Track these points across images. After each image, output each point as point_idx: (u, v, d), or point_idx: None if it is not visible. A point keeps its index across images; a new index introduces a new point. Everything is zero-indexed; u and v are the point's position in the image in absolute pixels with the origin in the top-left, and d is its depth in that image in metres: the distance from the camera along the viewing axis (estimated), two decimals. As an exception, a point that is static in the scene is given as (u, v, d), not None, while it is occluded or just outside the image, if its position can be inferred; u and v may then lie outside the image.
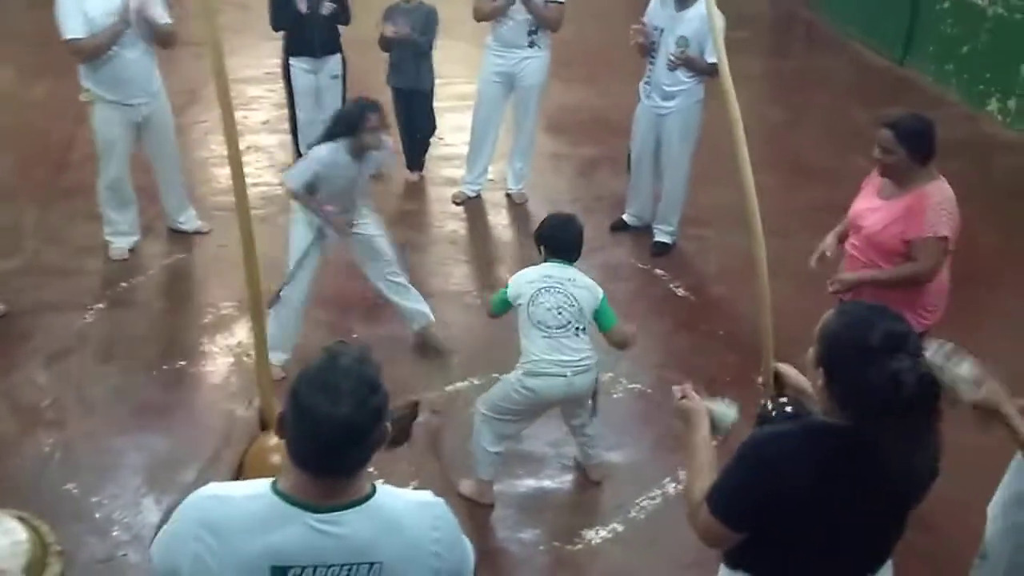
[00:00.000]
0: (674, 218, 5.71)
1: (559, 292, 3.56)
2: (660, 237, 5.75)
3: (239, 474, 2.12)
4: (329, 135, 4.27)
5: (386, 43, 5.94)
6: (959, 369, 2.19)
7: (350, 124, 4.19)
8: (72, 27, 4.83)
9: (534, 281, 3.60)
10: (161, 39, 5.17)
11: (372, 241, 4.51)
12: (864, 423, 1.95)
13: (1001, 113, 7.77)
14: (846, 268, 3.69)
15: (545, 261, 3.69)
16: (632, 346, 3.90)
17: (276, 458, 2.11)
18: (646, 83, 5.52)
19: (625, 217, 5.97)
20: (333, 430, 1.68)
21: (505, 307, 3.69)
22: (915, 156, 3.41)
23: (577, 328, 3.55)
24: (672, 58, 5.24)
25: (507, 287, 3.68)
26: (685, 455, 2.33)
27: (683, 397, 2.37)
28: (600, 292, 3.64)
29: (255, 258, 2.43)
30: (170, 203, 5.62)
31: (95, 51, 4.90)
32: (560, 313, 3.53)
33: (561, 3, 5.74)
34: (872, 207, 3.57)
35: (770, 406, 2.48)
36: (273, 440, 2.17)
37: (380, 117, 4.24)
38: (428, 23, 5.88)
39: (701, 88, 5.36)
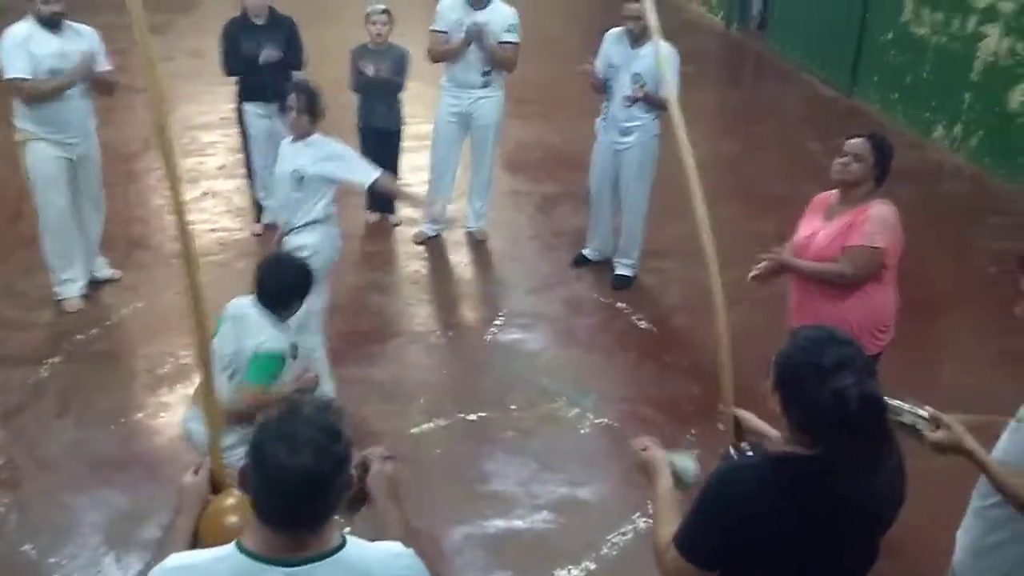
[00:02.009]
0: (634, 251, 5.76)
1: (234, 329, 3.31)
2: (621, 271, 5.79)
3: (196, 542, 2.06)
4: None
5: (361, 84, 5.94)
6: (919, 409, 2.24)
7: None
8: (16, 66, 4.78)
9: (232, 308, 3.39)
10: (101, 87, 5.16)
11: None
12: (819, 445, 1.96)
13: (947, 140, 7.98)
14: (794, 301, 3.75)
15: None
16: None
17: (233, 519, 2.08)
18: (603, 119, 5.60)
19: (586, 252, 6.00)
20: (294, 481, 1.65)
21: None
22: (879, 169, 3.54)
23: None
24: (627, 97, 5.31)
25: None
26: (653, 506, 2.34)
27: (644, 449, 2.38)
28: (268, 348, 3.25)
29: (203, 308, 2.40)
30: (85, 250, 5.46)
31: (40, 96, 4.86)
32: (222, 349, 3.27)
33: (515, 43, 5.81)
34: (816, 229, 3.66)
35: (732, 452, 2.49)
36: (228, 501, 2.13)
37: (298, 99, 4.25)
38: (401, 64, 5.91)
39: (657, 123, 5.44)
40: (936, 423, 2.27)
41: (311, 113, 4.31)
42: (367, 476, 2.06)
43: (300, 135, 4.34)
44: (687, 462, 2.40)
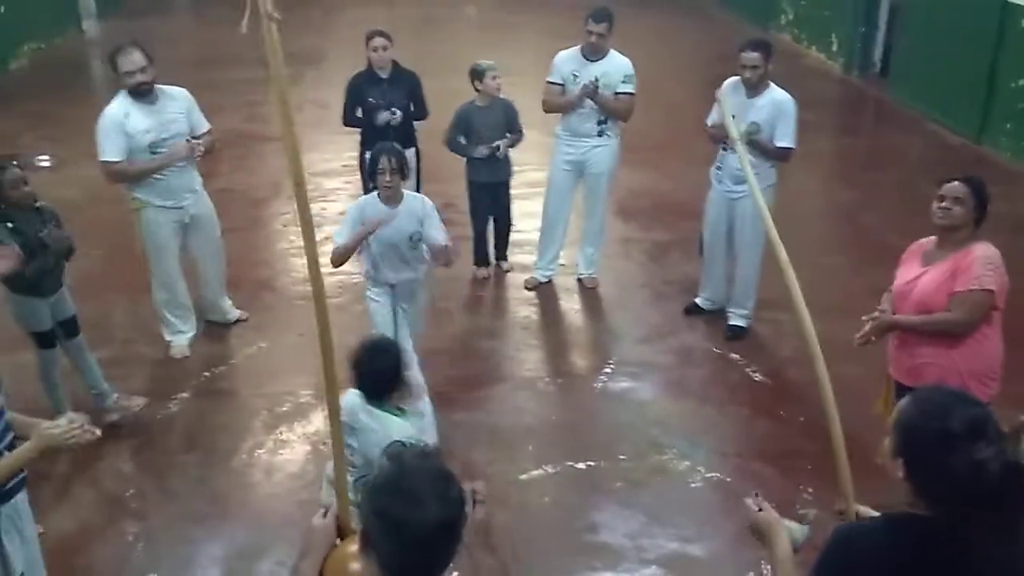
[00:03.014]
0: (749, 302, 5.66)
1: (357, 437, 3.31)
2: (735, 321, 5.69)
3: None
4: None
5: (463, 152, 6.01)
6: None
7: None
8: (109, 150, 4.93)
9: (352, 418, 3.30)
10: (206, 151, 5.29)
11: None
12: (949, 514, 1.88)
13: (1086, 188, 7.56)
14: (894, 347, 3.63)
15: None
16: None
17: (355, 566, 2.10)
18: (718, 168, 5.56)
19: (698, 301, 5.94)
20: (429, 533, 1.69)
21: None
22: (977, 212, 3.47)
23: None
24: (728, 144, 5.23)
25: None
26: (772, 569, 2.28)
27: (759, 510, 2.33)
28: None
29: (331, 353, 2.46)
30: (208, 297, 5.71)
31: (130, 177, 5.04)
32: (352, 453, 3.27)
33: (632, 94, 5.85)
34: (917, 275, 3.57)
35: None
36: (351, 547, 2.17)
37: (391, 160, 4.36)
38: (510, 118, 5.97)
39: (773, 172, 5.37)
40: None
41: (403, 174, 4.46)
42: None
43: (395, 197, 4.46)
44: (799, 527, 2.34)
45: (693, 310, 5.94)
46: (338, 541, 2.23)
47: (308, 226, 2.36)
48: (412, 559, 1.71)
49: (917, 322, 3.53)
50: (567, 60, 5.89)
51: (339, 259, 4.47)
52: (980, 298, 3.41)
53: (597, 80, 5.71)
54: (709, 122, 5.51)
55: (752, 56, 5.15)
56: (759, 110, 5.22)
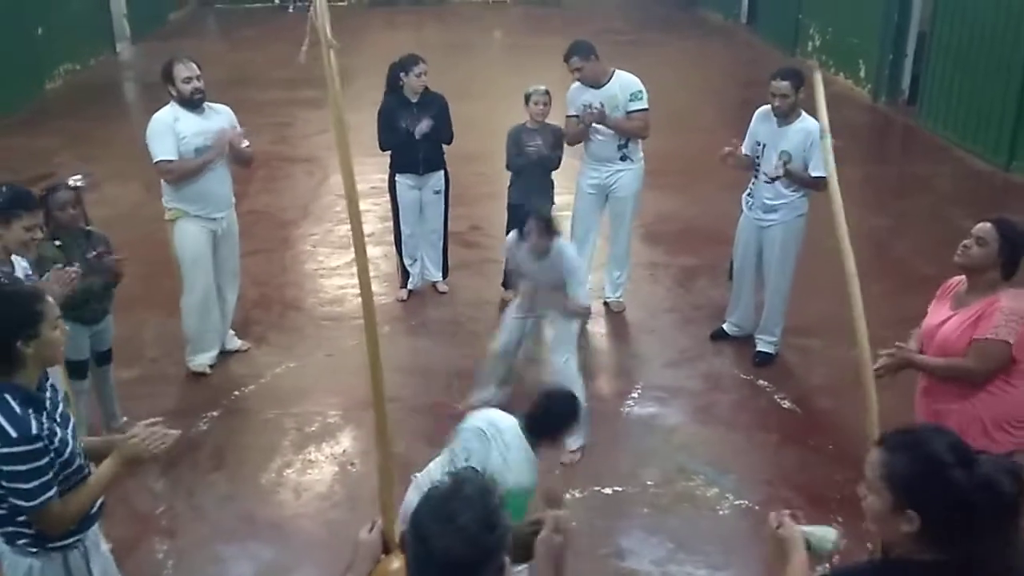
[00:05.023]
0: (777, 328, 5.63)
1: (483, 443, 3.26)
2: (763, 347, 5.67)
3: None
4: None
5: (520, 164, 6.02)
6: None
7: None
8: (162, 149, 5.07)
9: (480, 421, 3.32)
10: (240, 160, 5.40)
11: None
12: (963, 552, 1.86)
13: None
14: (919, 391, 3.59)
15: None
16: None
17: None
18: (748, 195, 5.56)
19: (725, 327, 5.92)
20: (444, 562, 1.69)
21: None
22: (1004, 258, 3.35)
23: None
24: (767, 175, 5.23)
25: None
26: None
27: (779, 526, 2.31)
28: (518, 485, 3.20)
29: (380, 371, 2.46)
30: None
31: (186, 175, 5.14)
32: (466, 458, 3.23)
33: (644, 109, 5.85)
34: (944, 318, 3.50)
35: None
36: (394, 564, 2.18)
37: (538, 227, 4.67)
38: (557, 141, 6.00)
39: (805, 202, 5.35)
40: None
41: (551, 233, 4.72)
42: (536, 536, 2.09)
43: (542, 252, 4.74)
44: (826, 534, 2.31)
45: (719, 336, 5.92)
46: (383, 556, 2.24)
47: (360, 240, 2.40)
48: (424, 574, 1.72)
49: (932, 365, 3.47)
50: (577, 93, 5.93)
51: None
52: (995, 349, 3.30)
53: (600, 105, 5.71)
54: (746, 149, 5.46)
55: (782, 85, 5.16)
56: (791, 138, 5.21)
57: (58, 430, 2.63)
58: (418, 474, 3.49)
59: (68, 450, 2.64)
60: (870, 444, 2.59)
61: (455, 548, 1.68)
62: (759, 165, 5.39)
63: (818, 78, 3.37)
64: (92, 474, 2.76)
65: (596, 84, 5.82)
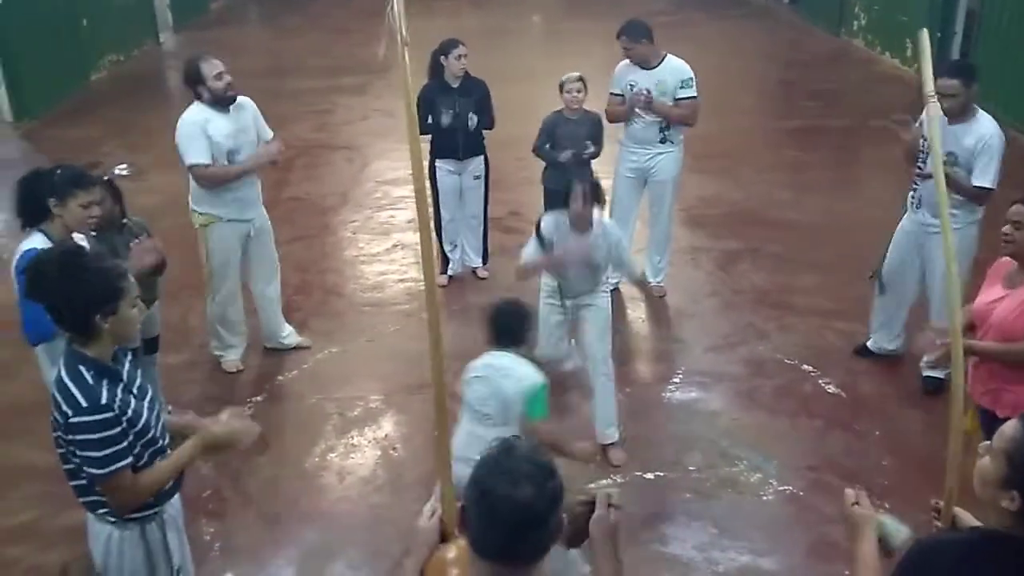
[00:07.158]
0: None
1: (487, 382, 3.49)
2: (929, 372, 5.00)
3: None
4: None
5: (550, 158, 5.92)
6: None
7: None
8: (196, 153, 4.93)
9: (475, 369, 3.56)
10: (272, 161, 5.34)
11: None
12: None
13: None
14: (972, 367, 3.53)
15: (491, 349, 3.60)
16: (584, 458, 3.76)
17: (455, 572, 2.12)
18: (913, 191, 4.99)
19: (869, 344, 5.42)
20: (514, 512, 1.72)
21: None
22: None
23: (497, 422, 3.46)
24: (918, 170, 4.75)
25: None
26: (851, 566, 2.22)
27: (855, 503, 2.27)
28: (530, 383, 3.45)
29: (441, 348, 2.43)
30: (268, 319, 5.62)
31: (222, 182, 5.05)
32: (484, 404, 3.48)
33: (693, 98, 5.79)
34: (997, 297, 3.47)
35: None
36: (451, 553, 2.18)
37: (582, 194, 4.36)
38: (596, 132, 5.90)
39: (980, 207, 4.79)
40: None
41: (598, 202, 4.46)
42: (591, 516, 2.09)
43: (585, 225, 4.45)
44: (899, 526, 2.27)
45: (863, 353, 5.42)
46: (440, 544, 2.25)
47: (426, 229, 2.43)
48: (494, 534, 1.75)
49: (990, 350, 3.45)
50: (624, 71, 5.87)
51: (523, 276, 4.65)
52: None
53: (648, 92, 5.65)
54: (922, 132, 4.75)
55: (951, 84, 4.57)
56: (959, 140, 4.65)
57: (132, 401, 2.66)
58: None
59: (142, 421, 2.66)
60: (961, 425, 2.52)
61: (525, 494, 1.72)
62: (923, 162, 4.80)
63: (925, 42, 3.19)
64: (170, 454, 2.80)
65: (646, 65, 5.77)
